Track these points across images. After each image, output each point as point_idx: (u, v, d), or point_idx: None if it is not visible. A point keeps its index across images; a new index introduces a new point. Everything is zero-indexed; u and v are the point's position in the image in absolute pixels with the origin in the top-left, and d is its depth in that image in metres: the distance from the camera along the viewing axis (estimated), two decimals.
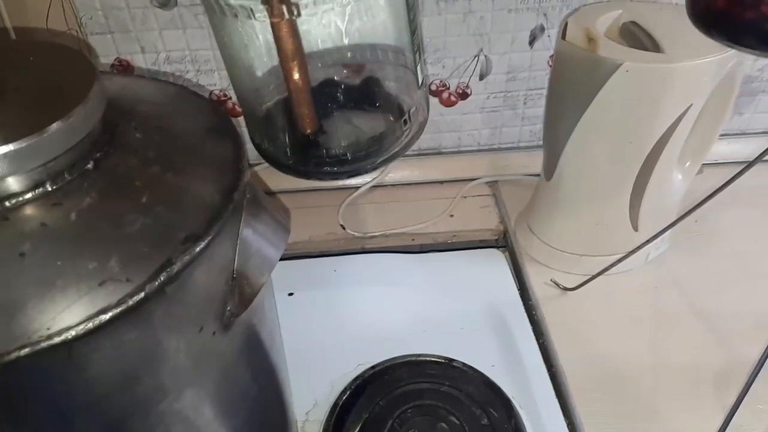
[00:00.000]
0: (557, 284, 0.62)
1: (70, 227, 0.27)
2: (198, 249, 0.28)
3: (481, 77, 0.68)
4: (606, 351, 0.57)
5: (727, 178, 0.46)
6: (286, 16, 0.25)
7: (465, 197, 0.73)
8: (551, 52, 0.67)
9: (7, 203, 0.27)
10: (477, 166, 0.74)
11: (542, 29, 0.65)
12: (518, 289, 0.64)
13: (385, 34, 0.29)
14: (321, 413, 0.53)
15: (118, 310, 0.25)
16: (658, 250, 0.65)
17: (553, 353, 0.57)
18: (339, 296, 0.63)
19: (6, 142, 0.25)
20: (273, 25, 0.25)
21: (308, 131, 0.29)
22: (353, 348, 0.58)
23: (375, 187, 0.72)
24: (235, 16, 0.26)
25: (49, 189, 0.27)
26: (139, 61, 0.64)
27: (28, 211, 0.27)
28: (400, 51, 0.28)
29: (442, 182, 0.74)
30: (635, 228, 0.60)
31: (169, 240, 0.28)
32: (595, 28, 0.52)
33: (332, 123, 0.30)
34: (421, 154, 0.74)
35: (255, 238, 0.32)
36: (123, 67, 0.64)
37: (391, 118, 0.30)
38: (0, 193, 0.26)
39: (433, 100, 0.70)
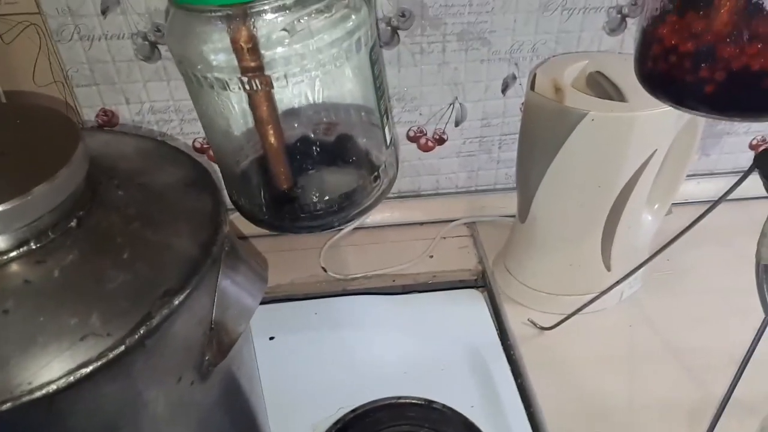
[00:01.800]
0: (534, 323, 0.64)
1: (53, 284, 0.28)
2: (176, 302, 0.29)
3: (457, 123, 0.71)
4: (583, 389, 0.58)
5: (696, 217, 0.48)
6: (260, 89, 0.27)
7: (444, 238, 0.74)
8: (523, 99, 0.69)
9: None
10: (455, 208, 0.76)
11: (514, 77, 0.68)
12: (497, 329, 0.65)
13: (353, 98, 0.31)
14: None
15: (99, 363, 0.26)
16: (631, 289, 0.66)
17: (531, 393, 0.58)
18: (320, 339, 0.63)
19: None
20: (248, 96, 0.27)
21: (284, 187, 0.30)
22: (335, 391, 0.59)
23: (356, 228, 0.73)
24: (211, 87, 0.28)
25: (33, 247, 0.29)
26: (124, 112, 0.65)
27: (13, 268, 0.28)
28: (369, 111, 0.30)
29: (421, 223, 0.76)
30: (608, 268, 0.62)
31: (149, 295, 0.29)
32: (563, 78, 0.55)
33: (306, 179, 0.31)
34: (401, 197, 0.76)
35: (233, 288, 0.34)
36: (108, 118, 0.66)
37: (363, 174, 0.32)
38: None
39: (411, 146, 0.72)
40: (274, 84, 0.27)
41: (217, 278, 0.33)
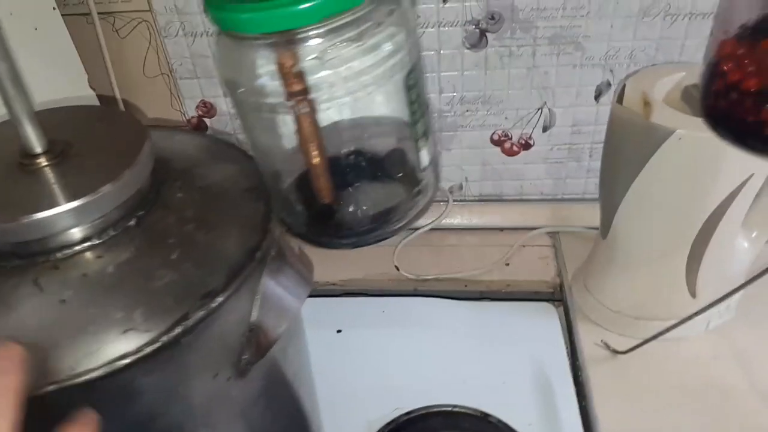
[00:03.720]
0: (607, 346, 0.61)
1: (107, 279, 0.31)
2: (215, 304, 0.31)
3: (545, 129, 0.68)
4: (652, 422, 0.55)
5: None
6: (304, 111, 0.28)
7: (524, 246, 0.73)
8: None
9: (59, 254, 0.31)
10: (538, 216, 0.74)
11: (608, 84, 0.64)
12: (567, 347, 0.63)
13: (387, 122, 0.31)
14: None
15: (136, 356, 0.29)
16: (721, 319, 0.62)
17: (594, 418, 0.56)
18: (385, 337, 0.64)
19: (68, 201, 0.30)
20: (294, 116, 0.28)
21: (326, 202, 0.31)
22: (393, 391, 0.60)
23: (433, 229, 0.73)
24: (257, 109, 0.29)
25: (96, 243, 0.32)
26: (221, 104, 0.69)
27: (75, 261, 0.31)
28: (406, 133, 0.30)
29: (501, 229, 0.74)
30: (693, 294, 0.58)
31: (191, 295, 0.31)
32: (653, 91, 0.52)
33: (346, 196, 0.32)
34: (481, 200, 0.75)
35: (275, 292, 0.35)
36: (207, 109, 0.70)
37: (402, 192, 0.32)
38: (55, 245, 0.31)
39: (495, 149, 0.70)
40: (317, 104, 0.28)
41: (259, 281, 0.34)
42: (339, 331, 0.65)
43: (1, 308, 0.29)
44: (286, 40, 0.27)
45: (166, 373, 0.31)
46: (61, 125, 0.34)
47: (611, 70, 0.63)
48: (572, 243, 0.72)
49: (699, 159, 0.49)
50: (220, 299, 0.31)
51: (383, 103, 0.30)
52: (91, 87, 0.64)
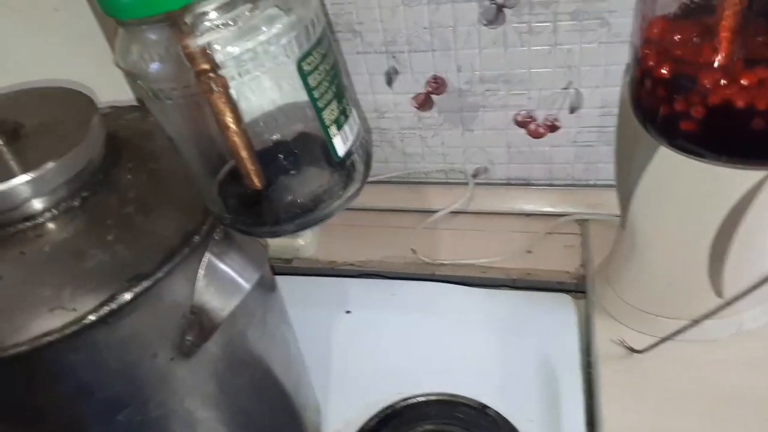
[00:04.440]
0: (623, 343, 0.57)
1: (42, 257, 0.32)
2: (141, 288, 0.31)
3: (572, 110, 0.64)
4: (662, 427, 0.51)
5: None
6: (217, 90, 0.27)
7: (549, 233, 0.69)
8: None
9: (0, 231, 0.32)
10: (567, 201, 0.70)
11: None
12: (580, 342, 0.60)
13: (286, 106, 0.30)
14: None
15: (60, 335, 0.30)
16: (756, 322, 0.56)
17: (600, 418, 0.53)
18: (394, 321, 0.64)
19: (10, 178, 0.31)
20: (208, 98, 0.27)
21: (257, 187, 0.31)
22: (396, 375, 0.59)
23: (454, 212, 0.71)
24: (167, 98, 0.29)
25: (38, 222, 0.33)
26: None
27: (16, 239, 0.32)
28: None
29: (527, 215, 0.71)
30: (719, 294, 0.53)
31: (119, 277, 0.31)
32: None
33: (276, 179, 0.31)
34: (508, 184, 0.72)
35: (219, 275, 0.35)
36: None
37: (325, 180, 0.31)
38: None
39: (519, 131, 0.67)
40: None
41: (198, 265, 0.34)
42: (348, 312, 0.65)
43: None
44: (181, 19, 0.26)
45: (95, 351, 0.32)
46: (15, 106, 0.36)
47: None
48: (602, 232, 0.68)
49: None
50: (147, 283, 0.31)
51: (274, 88, 0.29)
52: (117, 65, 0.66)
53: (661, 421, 0.51)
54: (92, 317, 0.30)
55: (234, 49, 0.26)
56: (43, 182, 0.32)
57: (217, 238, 0.35)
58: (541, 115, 0.65)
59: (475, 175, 0.71)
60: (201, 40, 0.26)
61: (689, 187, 0.47)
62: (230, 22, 0.26)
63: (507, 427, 0.53)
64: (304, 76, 0.27)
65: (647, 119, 0.22)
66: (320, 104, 0.27)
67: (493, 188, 0.72)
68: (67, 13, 0.60)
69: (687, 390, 0.53)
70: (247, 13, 0.26)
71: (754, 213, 0.46)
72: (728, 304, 0.47)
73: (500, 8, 0.59)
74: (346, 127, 0.29)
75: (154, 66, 0.28)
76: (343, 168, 0.30)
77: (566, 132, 0.66)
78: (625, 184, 0.52)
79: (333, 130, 0.28)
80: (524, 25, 0.59)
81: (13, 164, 0.32)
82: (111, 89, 0.64)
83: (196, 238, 0.34)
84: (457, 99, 0.66)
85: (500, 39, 0.60)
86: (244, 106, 0.28)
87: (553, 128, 0.66)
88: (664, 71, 0.20)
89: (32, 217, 0.33)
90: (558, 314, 0.62)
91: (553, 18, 0.58)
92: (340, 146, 0.29)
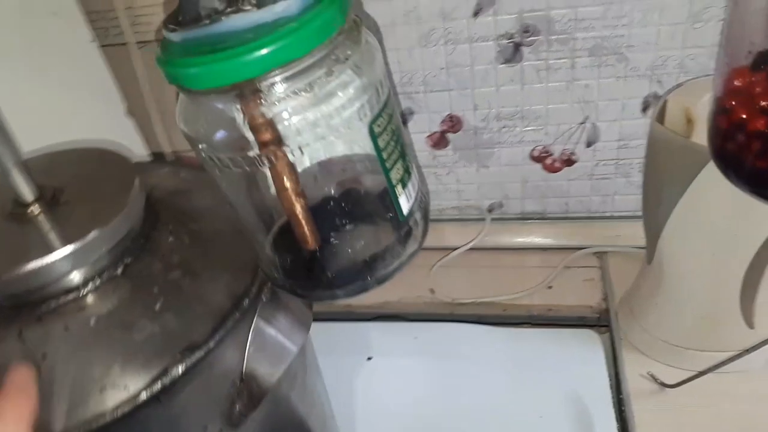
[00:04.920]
0: (655, 379, 0.56)
1: (88, 332, 0.30)
2: (195, 359, 0.30)
3: (589, 144, 0.64)
4: None
5: None
6: (278, 160, 0.26)
7: (568, 267, 0.68)
8: None
9: (43, 306, 0.31)
10: (584, 234, 0.69)
11: (656, 96, 0.59)
12: (610, 379, 0.59)
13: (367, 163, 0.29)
14: None
15: (114, 416, 0.28)
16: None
17: None
18: (418, 366, 0.62)
19: (54, 250, 0.30)
20: (269, 168, 0.26)
21: (312, 248, 0.30)
22: (425, 424, 0.58)
23: (471, 249, 0.70)
24: (228, 166, 0.28)
25: (79, 294, 0.31)
26: None
27: (59, 314, 0.31)
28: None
29: (544, 249, 0.71)
30: (750, 325, 0.53)
31: (171, 349, 0.30)
32: (697, 107, 0.47)
33: (329, 242, 0.30)
34: (524, 218, 0.71)
35: (267, 339, 0.34)
36: None
37: (388, 239, 0.30)
38: (39, 297, 0.31)
39: (536, 166, 0.67)
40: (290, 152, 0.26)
41: (249, 330, 0.33)
42: (369, 359, 0.63)
43: None
44: (250, 89, 0.25)
45: (148, 430, 0.30)
46: (52, 170, 0.34)
47: (659, 81, 0.59)
48: (621, 264, 0.67)
49: None
50: (200, 353, 0.30)
51: (350, 149, 0.28)
52: (129, 114, 0.65)
53: None
54: (145, 395, 0.29)
55: (310, 116, 0.26)
56: (86, 253, 0.31)
57: (264, 299, 0.34)
58: (557, 150, 0.65)
59: (490, 210, 0.71)
60: (276, 109, 0.25)
61: (725, 219, 0.47)
62: (307, 89, 0.25)
63: None
64: (374, 138, 0.26)
65: (733, 168, 0.22)
66: (388, 165, 0.27)
67: (508, 223, 0.71)
68: (81, 66, 0.59)
69: (723, 424, 0.52)
70: (323, 79, 0.25)
71: None
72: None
73: (518, 47, 0.59)
74: (409, 185, 0.28)
75: (219, 134, 0.27)
76: (405, 226, 0.29)
77: (583, 165, 0.66)
78: (654, 216, 0.52)
79: (399, 189, 0.27)
80: (542, 62, 0.59)
81: (54, 234, 0.31)
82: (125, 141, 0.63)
83: (246, 302, 0.32)
84: (472, 137, 0.65)
85: (517, 76, 0.60)
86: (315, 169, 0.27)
87: (569, 162, 0.66)
88: (759, 125, 0.20)
89: (74, 289, 0.31)
90: (584, 350, 0.61)
91: (571, 54, 0.58)
92: (405, 204, 0.28)
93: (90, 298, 0.31)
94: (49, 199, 0.33)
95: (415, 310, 0.67)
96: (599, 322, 0.65)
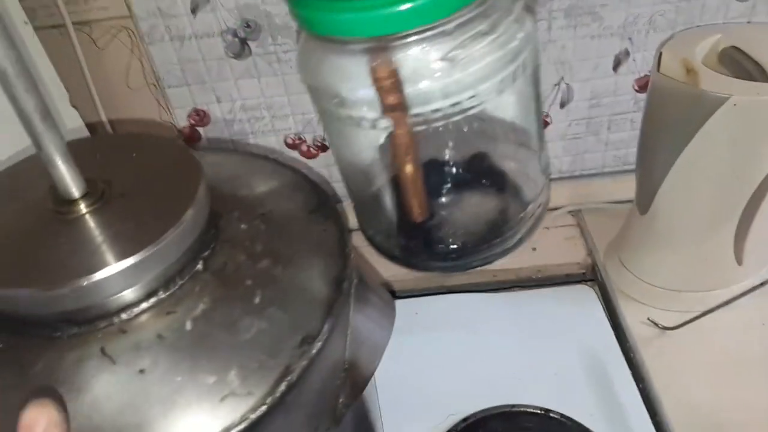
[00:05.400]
0: (656, 324, 0.59)
1: (187, 338, 0.26)
2: (315, 350, 0.27)
3: (562, 105, 0.65)
4: (715, 397, 0.53)
5: None
6: (401, 127, 0.23)
7: (547, 228, 0.70)
8: (636, 76, 0.63)
9: (123, 315, 0.26)
10: (559, 195, 0.71)
11: (627, 53, 0.62)
12: (612, 329, 0.61)
13: (512, 124, 0.27)
14: None
15: (242, 426, 0.24)
16: (761, 280, 0.60)
17: (656, 400, 0.54)
18: (424, 341, 0.61)
19: (123, 256, 0.25)
20: (392, 133, 0.24)
21: (418, 221, 0.27)
22: (442, 397, 0.56)
23: None
24: (345, 122, 0.25)
25: (162, 296, 0.27)
26: (216, 111, 0.64)
27: (144, 322, 0.26)
28: (526, 135, 0.26)
29: None
30: (739, 262, 0.56)
31: (286, 344, 0.27)
32: (694, 57, 0.49)
33: (444, 209, 0.28)
34: None
35: (365, 324, 0.31)
36: (200, 117, 0.64)
37: (511, 205, 0.28)
38: (116, 305, 0.26)
39: None
40: (417, 120, 0.24)
41: (348, 316, 0.30)
42: None
43: (68, 391, 0.24)
44: (383, 45, 0.22)
45: None
46: (94, 160, 0.29)
47: (630, 39, 0.61)
48: (597, 220, 0.70)
49: (755, 125, 0.46)
50: (318, 344, 0.27)
51: (512, 105, 0.26)
52: (72, 105, 0.58)
53: (710, 390, 0.53)
54: (271, 398, 0.25)
55: (443, 82, 0.23)
56: (163, 254, 0.26)
57: (356, 281, 0.31)
58: None
59: None
60: (406, 72, 0.22)
61: (729, 162, 0.49)
62: (445, 54, 0.22)
63: (575, 427, 0.53)
64: (535, 85, 0.24)
65: None
66: (539, 116, 0.25)
67: None
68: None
69: (725, 356, 0.56)
70: (465, 44, 0.23)
71: None
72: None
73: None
74: (545, 140, 0.26)
75: (343, 90, 0.24)
76: (523, 196, 0.28)
77: (556, 127, 0.67)
78: (653, 168, 0.53)
79: (542, 142, 0.26)
80: None
81: (117, 236, 0.26)
82: None
83: (345, 284, 0.29)
84: None
85: None
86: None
87: (544, 125, 0.67)
88: None
89: (154, 292, 0.27)
90: (582, 305, 0.63)
91: (548, 15, 0.59)
92: (544, 160, 0.26)
93: (175, 300, 0.27)
94: (99, 194, 0.28)
95: (409, 286, 0.66)
96: (586, 277, 0.67)
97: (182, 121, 0.65)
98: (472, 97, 0.23)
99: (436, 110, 0.24)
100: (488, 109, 0.26)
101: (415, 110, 0.23)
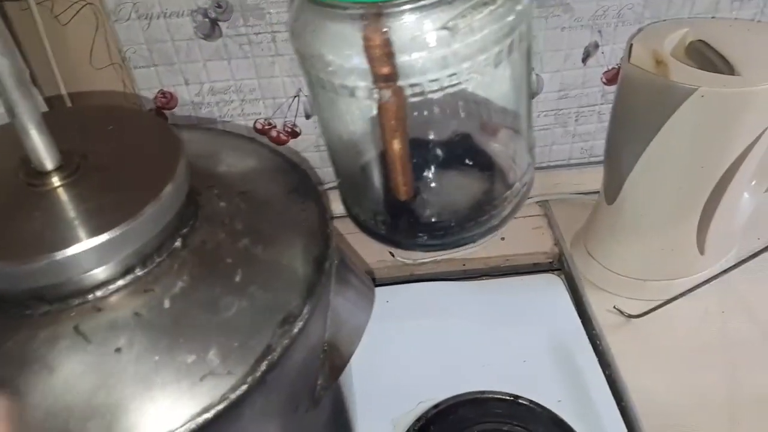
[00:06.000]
0: (621, 312, 0.60)
1: (165, 316, 0.25)
2: (296, 330, 0.26)
3: (533, 96, 0.66)
4: (678, 382, 0.55)
5: None
6: (391, 98, 0.23)
7: (515, 218, 0.70)
8: (605, 69, 0.64)
9: (98, 292, 0.25)
10: None
11: (596, 45, 0.63)
12: (579, 317, 0.62)
13: (503, 101, 0.27)
14: None
15: (222, 406, 0.24)
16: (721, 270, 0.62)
17: (622, 386, 0.55)
18: (394, 329, 0.61)
19: (97, 231, 0.24)
20: (378, 104, 0.23)
21: (403, 199, 0.27)
22: (412, 384, 0.56)
23: None
24: (335, 92, 0.24)
25: (139, 273, 0.26)
26: (183, 93, 0.62)
27: (120, 299, 0.25)
28: (512, 115, 0.26)
29: None
30: (701, 251, 0.58)
31: (267, 323, 0.26)
32: (663, 49, 0.50)
33: (429, 187, 0.28)
34: None
35: (345, 305, 0.31)
36: (167, 100, 0.62)
37: (497, 182, 0.28)
38: (91, 282, 0.25)
39: None
40: (414, 91, 0.23)
41: (329, 296, 0.30)
42: None
43: (39, 370, 0.23)
44: (376, 12, 0.22)
45: (249, 419, 0.26)
46: (70, 133, 0.28)
47: (599, 31, 0.62)
48: (564, 210, 0.71)
49: (721, 116, 0.48)
50: (300, 323, 0.26)
51: (506, 80, 0.26)
52: (33, 83, 0.56)
53: (674, 375, 0.55)
54: (252, 378, 0.25)
55: (438, 54, 0.23)
56: (141, 229, 0.25)
57: (336, 262, 0.31)
58: None
59: None
60: (399, 41, 0.22)
61: (695, 153, 0.50)
62: (441, 25, 0.22)
63: (543, 413, 0.53)
64: (528, 61, 0.24)
65: None
66: (528, 94, 0.25)
67: None
68: None
69: (687, 343, 0.57)
70: (460, 16, 0.22)
71: (744, 168, 0.51)
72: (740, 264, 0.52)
73: None
74: (532, 120, 0.26)
75: (334, 57, 0.23)
76: (507, 176, 0.28)
77: None
78: (622, 158, 0.54)
79: (530, 121, 0.26)
80: None
81: (93, 210, 0.25)
82: None
83: (327, 264, 0.29)
84: None
85: None
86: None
87: None
88: None
89: (131, 268, 0.26)
90: (549, 293, 0.64)
91: None
92: (530, 140, 0.26)
93: (153, 277, 0.26)
94: (75, 167, 0.26)
95: (379, 275, 0.66)
96: (552, 266, 0.68)
97: (148, 104, 0.63)
98: (470, 67, 0.23)
99: (434, 80, 0.24)
100: (481, 84, 0.26)
101: (412, 80, 0.23)
